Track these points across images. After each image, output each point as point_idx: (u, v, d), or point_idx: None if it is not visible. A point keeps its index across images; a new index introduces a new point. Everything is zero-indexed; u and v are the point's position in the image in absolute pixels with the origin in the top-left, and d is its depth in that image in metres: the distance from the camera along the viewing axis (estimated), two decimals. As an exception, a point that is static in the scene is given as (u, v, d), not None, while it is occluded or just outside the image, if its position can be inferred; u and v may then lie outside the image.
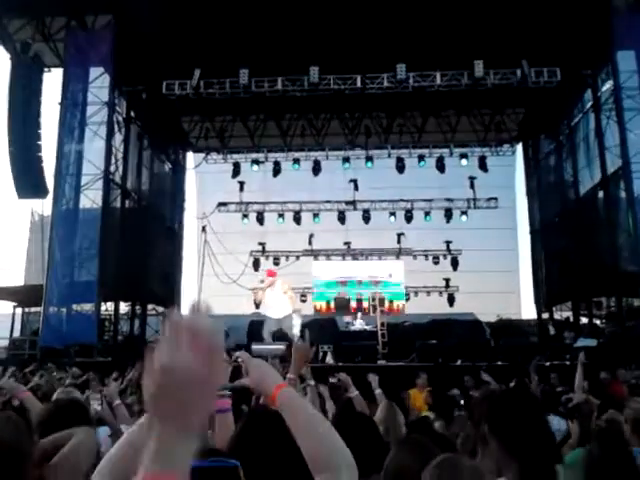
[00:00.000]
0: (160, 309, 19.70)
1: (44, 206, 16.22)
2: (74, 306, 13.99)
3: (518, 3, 13.44)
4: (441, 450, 2.11)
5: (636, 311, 14.07)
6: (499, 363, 10.28)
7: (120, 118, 16.81)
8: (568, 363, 10.28)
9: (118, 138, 16.52)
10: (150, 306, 19.22)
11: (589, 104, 16.62)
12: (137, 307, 18.36)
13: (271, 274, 12.47)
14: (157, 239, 18.96)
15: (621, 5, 13.93)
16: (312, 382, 4.10)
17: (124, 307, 17.42)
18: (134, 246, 16.43)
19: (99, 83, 15.05)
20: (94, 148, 14.93)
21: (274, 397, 1.52)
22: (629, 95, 13.91)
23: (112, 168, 15.74)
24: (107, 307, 15.86)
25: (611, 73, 14.70)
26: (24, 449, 2.26)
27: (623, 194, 14.41)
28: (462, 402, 4.32)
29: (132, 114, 17.72)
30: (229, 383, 1.67)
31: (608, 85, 15.26)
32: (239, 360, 1.64)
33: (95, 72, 15.08)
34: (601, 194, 15.96)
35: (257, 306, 11.78)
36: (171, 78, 15.83)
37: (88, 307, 14.05)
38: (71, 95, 14.90)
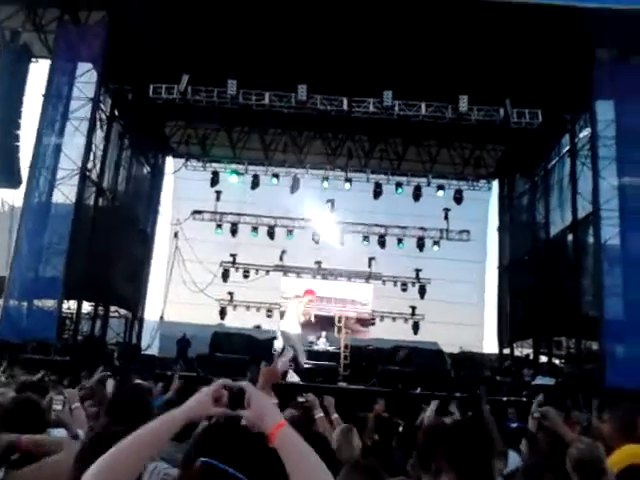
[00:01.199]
0: (123, 311, 19.42)
1: (15, 197, 15.97)
2: (35, 301, 13.70)
3: (507, 45, 13.78)
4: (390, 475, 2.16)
5: (594, 354, 14.36)
6: (457, 394, 10.37)
7: (103, 116, 16.70)
8: (525, 399, 10.45)
9: (99, 135, 16.38)
10: (113, 308, 18.92)
11: (566, 148, 17.06)
12: (100, 308, 18.04)
13: (311, 292, 12.45)
14: (128, 241, 18.75)
15: (604, 57, 14.39)
16: (320, 414, 4.12)
17: (87, 307, 17.11)
18: (104, 246, 16.22)
19: (86, 79, 14.91)
20: (73, 143, 14.74)
21: (273, 435, 1.49)
22: (605, 144, 14.26)
23: (90, 165, 15.55)
24: (69, 305, 15.56)
25: (589, 121, 15.11)
26: None
27: (591, 239, 14.75)
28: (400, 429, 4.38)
29: (116, 113, 17.60)
30: (229, 411, 1.62)
31: (586, 132, 15.68)
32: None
33: (83, 67, 14.94)
34: (570, 237, 16.33)
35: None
36: (159, 81, 15.78)
37: (50, 304, 13.76)
38: (56, 88, 14.72)
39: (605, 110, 14.54)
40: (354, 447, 3.79)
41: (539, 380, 13.96)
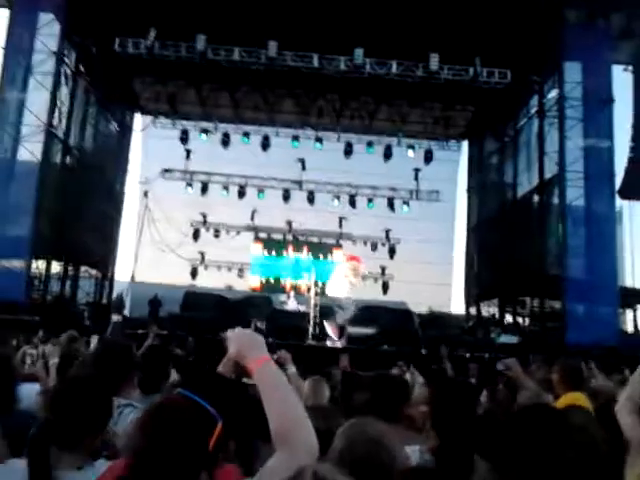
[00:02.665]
0: (93, 272, 19.26)
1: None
2: (3, 261, 13.51)
3: (478, 2, 13.71)
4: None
5: (557, 313, 14.80)
6: (423, 352, 10.71)
7: (68, 70, 16.17)
8: (487, 356, 10.85)
9: (64, 91, 15.90)
10: (83, 268, 18.73)
11: (534, 109, 17.18)
12: (70, 268, 17.85)
13: (355, 259, 12.87)
14: (97, 200, 18.44)
15: (572, 18, 14.42)
16: (293, 369, 4.24)
17: (56, 267, 16.90)
18: (72, 205, 15.95)
19: (48, 31, 14.42)
20: (38, 99, 14.35)
21: (253, 370, 1.59)
22: (572, 105, 14.47)
23: (55, 122, 15.17)
24: (38, 265, 15.36)
25: (557, 82, 15.23)
26: None
27: (557, 200, 15.05)
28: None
29: (81, 68, 17.07)
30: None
31: (553, 93, 15.81)
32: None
33: (45, 19, 14.43)
34: (536, 198, 16.59)
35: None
36: (125, 35, 15.36)
37: (17, 264, 13.61)
38: (17, 39, 14.22)
39: (573, 72, 14.71)
40: (322, 397, 3.94)
41: (503, 338, 14.41)
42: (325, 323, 12.10)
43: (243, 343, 1.67)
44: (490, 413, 3.52)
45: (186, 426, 1.41)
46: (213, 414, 1.45)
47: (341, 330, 11.56)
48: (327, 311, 12.83)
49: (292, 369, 4.33)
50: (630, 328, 16.07)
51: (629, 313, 16.29)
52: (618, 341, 12.57)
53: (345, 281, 11.88)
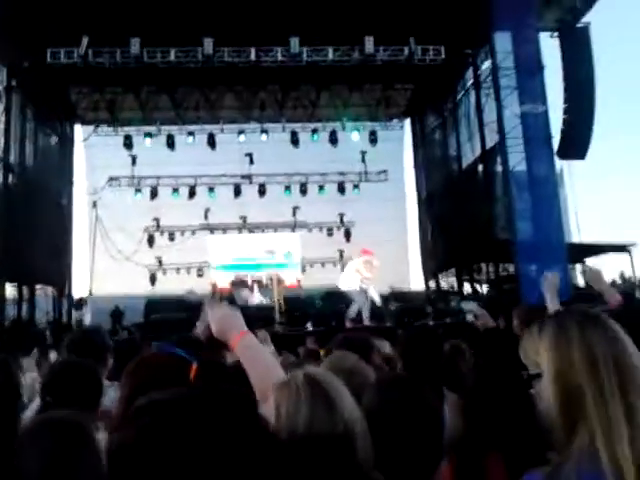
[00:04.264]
0: (50, 290, 18.81)
1: None
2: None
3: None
4: None
5: (511, 276, 15.29)
6: (388, 324, 11.03)
7: (0, 87, 15.74)
8: (449, 320, 11.31)
9: (-1, 108, 15.48)
10: (39, 286, 18.27)
11: (470, 82, 17.64)
12: (25, 289, 17.36)
13: (368, 252, 12.88)
14: (44, 217, 17.93)
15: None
16: (271, 347, 4.41)
17: (10, 290, 16.40)
18: (19, 225, 15.55)
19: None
20: (-29, 119, 13.96)
21: (234, 344, 1.77)
22: (505, 74, 14.92)
23: (-8, 141, 14.78)
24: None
25: (489, 53, 15.68)
26: None
27: (500, 168, 15.53)
28: None
29: (13, 83, 16.59)
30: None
31: (487, 64, 16.27)
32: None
33: (-31, 38, 14.01)
34: (481, 167, 17.07)
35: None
36: (57, 46, 15.05)
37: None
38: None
39: (503, 41, 15.11)
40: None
41: (463, 305, 14.82)
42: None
43: (223, 321, 1.83)
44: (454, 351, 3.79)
45: (165, 369, 1.61)
46: (186, 357, 1.67)
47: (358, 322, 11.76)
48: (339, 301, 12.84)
49: (270, 347, 4.51)
50: (581, 282, 16.72)
51: (579, 268, 16.96)
52: (571, 296, 13.08)
53: (357, 276, 12.05)
